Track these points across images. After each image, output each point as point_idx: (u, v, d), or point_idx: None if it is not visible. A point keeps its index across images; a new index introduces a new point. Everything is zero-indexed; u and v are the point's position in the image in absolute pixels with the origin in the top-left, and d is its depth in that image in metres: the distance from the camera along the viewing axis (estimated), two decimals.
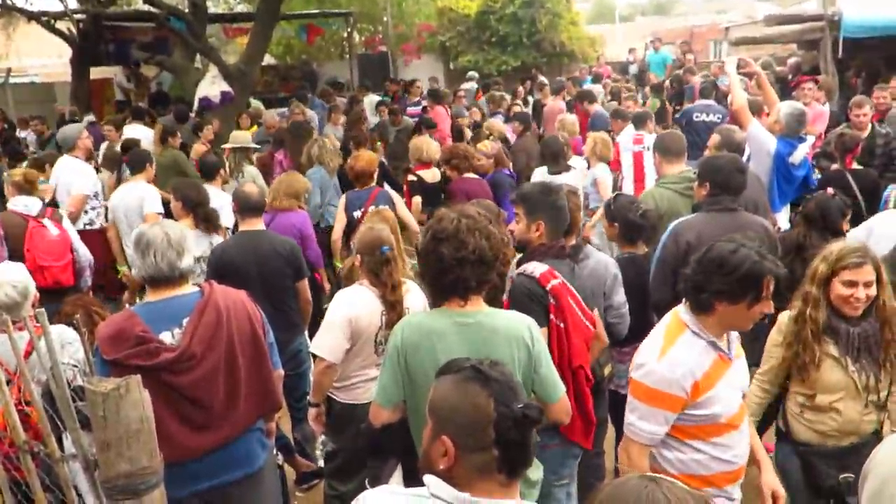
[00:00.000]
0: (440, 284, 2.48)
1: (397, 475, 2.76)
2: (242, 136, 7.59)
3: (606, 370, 3.52)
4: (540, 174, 6.26)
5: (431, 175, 6.57)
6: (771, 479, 2.67)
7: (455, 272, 2.40)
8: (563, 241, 3.23)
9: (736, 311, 2.40)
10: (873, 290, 2.80)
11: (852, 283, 2.78)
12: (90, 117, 11.53)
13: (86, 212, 6.22)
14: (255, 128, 9.91)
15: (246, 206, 4.36)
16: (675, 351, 2.43)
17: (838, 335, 2.83)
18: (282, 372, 3.12)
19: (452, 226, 2.41)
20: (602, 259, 3.49)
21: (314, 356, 3.46)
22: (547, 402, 2.56)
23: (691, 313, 2.49)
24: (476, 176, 6.26)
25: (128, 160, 6.27)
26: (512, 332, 2.50)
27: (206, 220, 4.80)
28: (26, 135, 12.02)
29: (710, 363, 2.44)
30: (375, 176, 5.87)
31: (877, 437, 2.83)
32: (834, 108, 8.23)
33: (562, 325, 2.92)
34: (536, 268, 3.00)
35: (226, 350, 2.72)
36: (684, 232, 3.69)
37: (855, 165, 5.62)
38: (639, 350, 2.54)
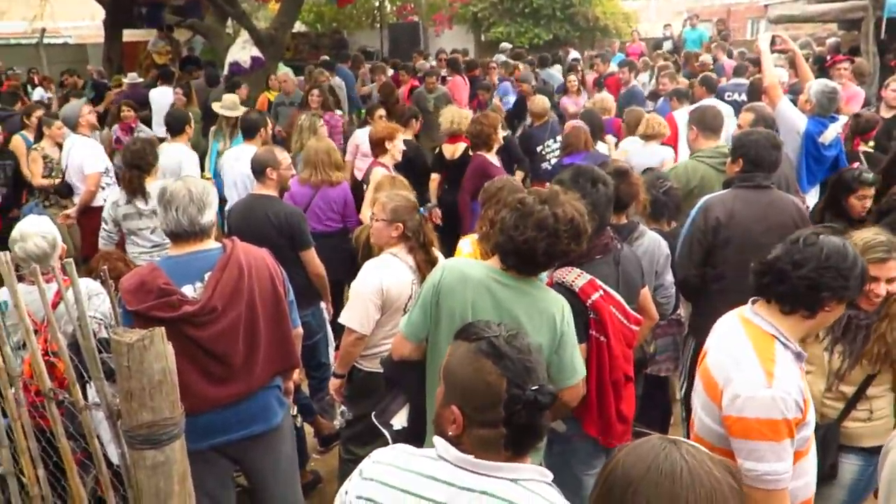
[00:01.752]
0: (511, 256, 2.48)
1: (403, 412, 2.80)
2: (230, 102, 7.43)
3: (652, 347, 3.52)
4: (629, 139, 6.14)
5: (452, 151, 6.29)
6: None
7: (528, 252, 2.42)
8: (606, 233, 2.94)
9: (838, 311, 2.18)
10: (895, 287, 2.67)
11: (874, 279, 2.63)
12: (134, 78, 11.42)
13: (102, 188, 6.07)
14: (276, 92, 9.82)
15: (254, 170, 4.36)
16: (780, 370, 2.07)
17: None
18: (300, 330, 3.14)
19: (536, 207, 2.42)
20: (655, 238, 3.48)
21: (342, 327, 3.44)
22: (560, 386, 2.56)
23: (771, 318, 2.17)
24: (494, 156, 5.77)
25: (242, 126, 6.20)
26: (544, 306, 2.50)
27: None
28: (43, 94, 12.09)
29: (800, 375, 2.17)
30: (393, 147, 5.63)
31: (837, 425, 2.76)
32: (872, 90, 8.03)
33: (602, 339, 2.78)
34: (577, 279, 2.80)
35: (246, 306, 2.74)
36: (714, 208, 3.63)
37: (864, 147, 5.50)
38: (728, 379, 2.11)
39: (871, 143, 5.91)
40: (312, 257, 4.28)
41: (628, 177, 3.44)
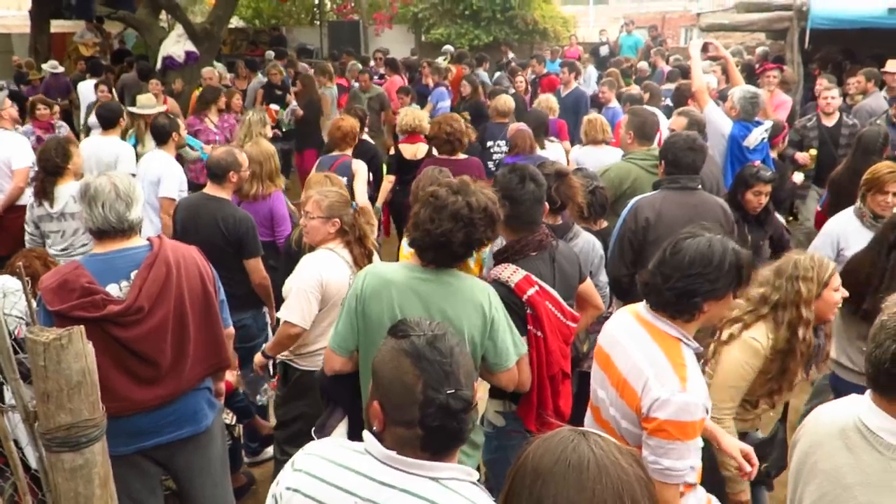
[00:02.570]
0: (429, 251, 2.50)
1: (342, 426, 2.78)
2: (147, 100, 7.21)
3: (585, 346, 3.57)
4: (577, 148, 6.14)
5: (413, 151, 6.21)
6: (732, 442, 2.59)
7: (445, 244, 2.44)
8: (541, 231, 2.94)
9: (721, 306, 2.28)
10: None
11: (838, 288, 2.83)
12: (55, 67, 11.02)
13: (30, 184, 5.63)
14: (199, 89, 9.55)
15: (214, 172, 4.22)
16: (691, 373, 2.19)
17: None
18: (232, 330, 3.08)
19: (450, 198, 2.45)
20: (589, 239, 3.53)
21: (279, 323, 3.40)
22: (495, 371, 2.60)
23: (672, 321, 2.26)
24: (462, 157, 5.63)
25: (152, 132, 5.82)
26: (469, 295, 2.53)
27: None
28: None
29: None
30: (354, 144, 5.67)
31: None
32: (797, 98, 8.36)
33: (539, 334, 2.80)
34: (513, 275, 2.81)
35: (175, 305, 2.68)
36: (644, 209, 3.73)
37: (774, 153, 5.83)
38: (647, 387, 2.19)
39: (783, 147, 6.26)
40: (258, 266, 4.15)
41: (567, 179, 3.47)
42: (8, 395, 2.43)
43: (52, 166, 4.62)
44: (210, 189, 4.26)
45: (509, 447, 2.97)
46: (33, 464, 2.42)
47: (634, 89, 8.09)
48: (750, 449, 2.52)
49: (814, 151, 6.40)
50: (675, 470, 2.15)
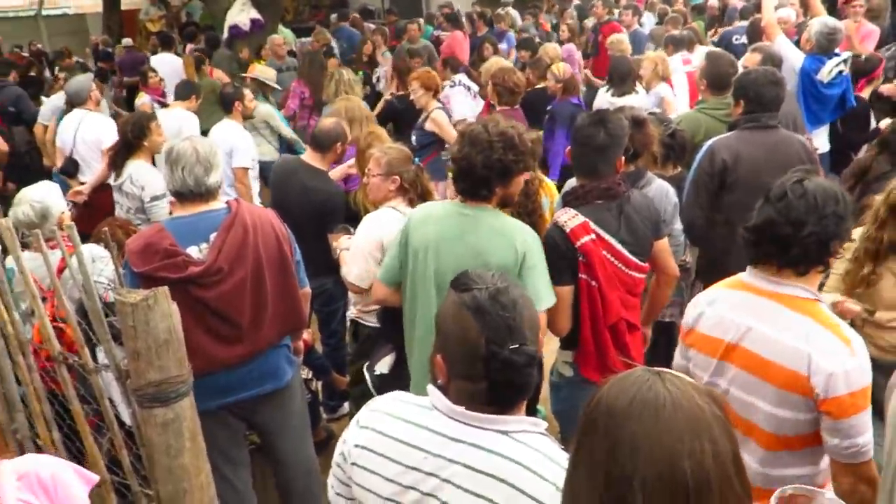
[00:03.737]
0: (458, 180, 2.70)
1: (388, 359, 2.87)
2: (268, 72, 7.32)
3: (668, 313, 3.49)
4: (603, 96, 6.00)
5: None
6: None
7: (468, 169, 2.62)
8: (609, 179, 2.82)
9: (843, 251, 2.09)
10: None
11: None
12: (128, 41, 11.33)
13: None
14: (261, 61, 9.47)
15: (320, 142, 4.16)
16: (849, 333, 1.98)
17: None
18: (308, 290, 3.14)
19: (471, 128, 2.68)
20: (662, 186, 3.43)
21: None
22: None
23: (799, 279, 2.01)
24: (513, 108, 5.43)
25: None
26: (502, 230, 2.65)
27: None
28: None
29: None
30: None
31: None
32: (885, 27, 7.82)
33: (594, 283, 2.74)
34: (570, 220, 2.75)
35: (252, 266, 2.74)
36: (720, 150, 3.58)
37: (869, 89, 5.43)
38: (813, 365, 1.93)
39: (879, 82, 5.79)
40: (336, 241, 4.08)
41: (644, 126, 3.39)
42: (101, 356, 2.56)
43: (125, 140, 4.65)
44: (309, 156, 4.21)
45: (579, 397, 2.90)
46: (127, 420, 2.55)
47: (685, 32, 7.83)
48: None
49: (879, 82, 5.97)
50: (869, 443, 1.94)
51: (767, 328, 2.02)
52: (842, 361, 1.91)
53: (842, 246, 2.05)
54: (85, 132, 5.83)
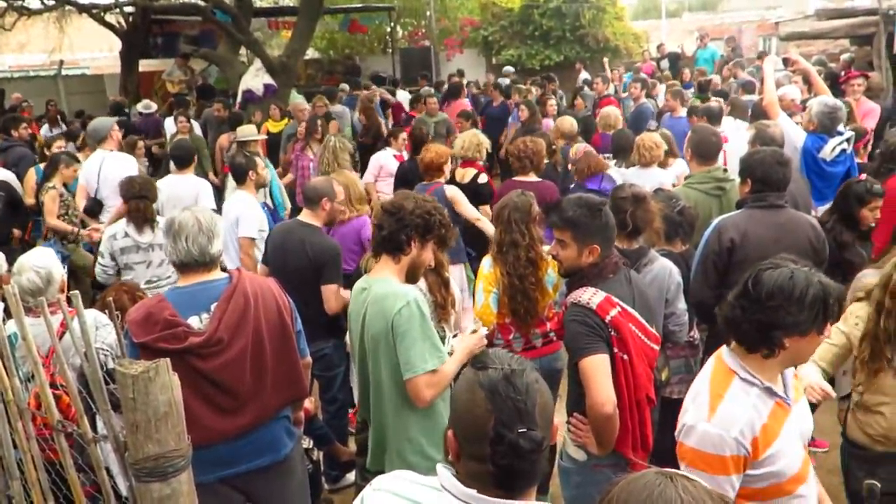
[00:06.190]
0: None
1: None
2: (248, 130, 7.48)
3: (664, 374, 3.44)
4: (615, 170, 5.97)
5: (462, 175, 6.05)
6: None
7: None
8: (615, 255, 2.89)
9: (807, 343, 2.13)
10: None
11: None
12: (148, 107, 11.42)
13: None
14: (286, 121, 9.71)
15: (309, 198, 4.30)
16: (725, 406, 2.09)
17: None
18: (309, 360, 3.12)
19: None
20: (666, 265, 3.38)
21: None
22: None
23: (738, 356, 2.17)
24: (535, 179, 5.37)
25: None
26: (378, 300, 2.78)
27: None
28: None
29: (769, 413, 2.11)
30: (447, 171, 5.53)
31: None
32: (887, 105, 7.95)
33: (625, 357, 2.70)
34: (593, 297, 2.72)
35: (253, 336, 2.73)
36: (728, 229, 3.59)
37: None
38: (684, 409, 2.19)
39: (864, 154, 5.96)
40: (331, 292, 4.10)
41: (645, 202, 3.38)
42: (100, 425, 2.52)
43: (153, 194, 4.79)
44: (304, 215, 4.34)
45: (592, 483, 2.79)
46: (124, 492, 2.50)
47: (714, 103, 7.84)
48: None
49: None
50: None
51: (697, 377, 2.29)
52: (694, 420, 2.11)
53: (799, 337, 2.09)
54: (108, 171, 5.92)
